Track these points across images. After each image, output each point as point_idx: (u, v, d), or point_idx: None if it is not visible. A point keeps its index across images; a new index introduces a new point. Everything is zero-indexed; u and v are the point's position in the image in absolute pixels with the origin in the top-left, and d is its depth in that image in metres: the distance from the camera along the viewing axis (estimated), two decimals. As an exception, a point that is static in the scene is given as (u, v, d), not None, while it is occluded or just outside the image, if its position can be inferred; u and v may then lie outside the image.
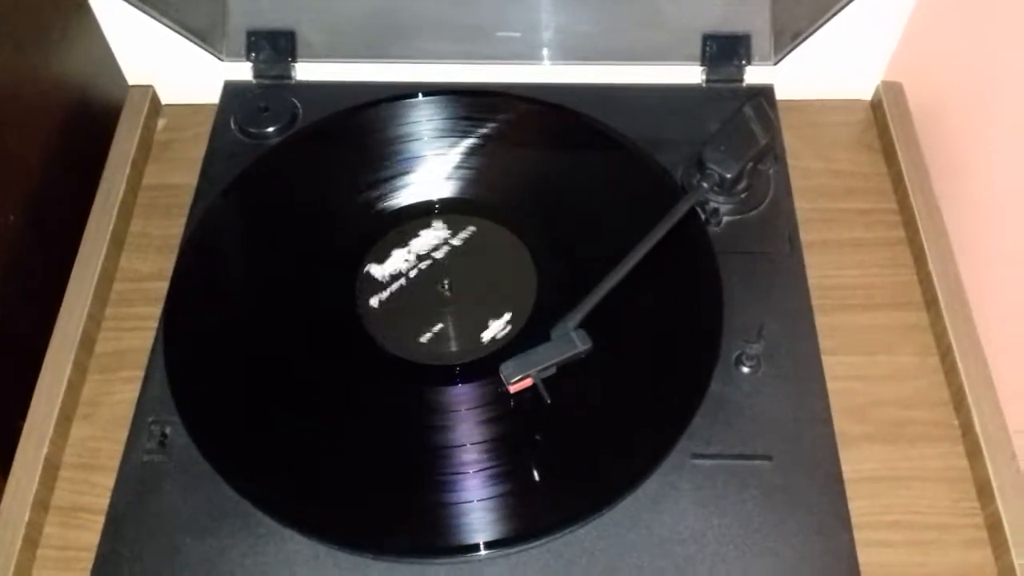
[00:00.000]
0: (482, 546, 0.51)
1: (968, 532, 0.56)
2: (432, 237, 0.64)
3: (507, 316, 0.60)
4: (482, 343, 0.59)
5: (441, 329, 0.60)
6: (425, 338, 0.59)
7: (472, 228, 0.64)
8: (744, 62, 0.71)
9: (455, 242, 0.64)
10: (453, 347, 0.59)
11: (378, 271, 0.62)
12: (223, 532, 0.52)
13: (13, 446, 0.58)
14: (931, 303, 0.65)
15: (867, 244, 0.68)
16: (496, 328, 0.59)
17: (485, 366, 0.57)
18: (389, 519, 0.53)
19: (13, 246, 0.62)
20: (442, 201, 0.66)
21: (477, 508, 0.52)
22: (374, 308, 0.61)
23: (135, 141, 0.72)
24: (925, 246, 0.66)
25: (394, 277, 0.62)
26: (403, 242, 0.64)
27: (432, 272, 0.62)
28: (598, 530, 0.52)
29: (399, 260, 0.63)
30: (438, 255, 0.63)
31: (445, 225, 0.64)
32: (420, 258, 0.63)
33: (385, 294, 0.61)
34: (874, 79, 0.76)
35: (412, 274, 0.62)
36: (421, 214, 0.65)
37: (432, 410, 0.56)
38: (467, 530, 0.51)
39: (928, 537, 0.56)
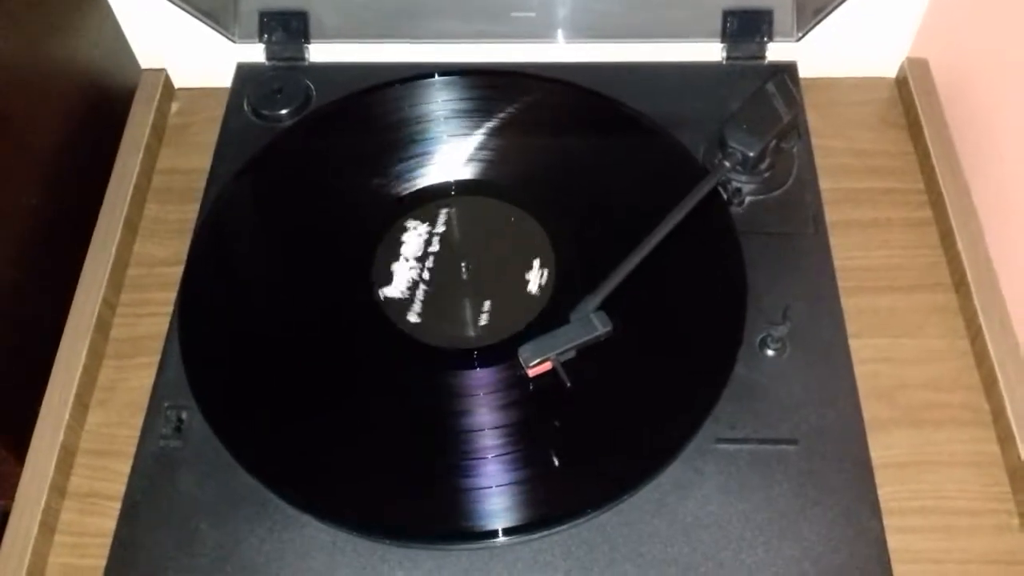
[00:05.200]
0: (501, 532, 0.50)
1: (999, 518, 0.55)
2: (451, 217, 0.63)
3: (523, 302, 0.59)
4: (496, 328, 0.58)
5: (458, 311, 0.59)
6: (443, 321, 0.58)
7: (493, 211, 0.63)
8: (766, 39, 0.70)
9: (473, 225, 0.63)
10: (471, 330, 0.58)
11: (397, 249, 0.61)
12: (239, 518, 0.52)
13: (29, 432, 0.58)
14: (960, 284, 0.63)
15: (893, 224, 0.67)
16: (511, 313, 0.58)
17: (504, 350, 0.56)
18: (407, 505, 0.52)
19: (30, 231, 0.62)
20: (458, 183, 0.65)
21: (496, 494, 0.51)
22: (390, 290, 0.60)
23: (148, 125, 0.72)
24: (953, 226, 0.64)
25: (411, 260, 0.61)
26: (420, 224, 0.63)
27: (450, 255, 0.61)
28: (620, 516, 0.51)
29: (416, 243, 0.62)
30: (456, 238, 0.62)
31: (462, 208, 0.63)
32: (438, 241, 0.62)
33: (402, 276, 0.60)
34: (899, 55, 0.75)
35: (430, 257, 0.61)
36: (437, 196, 0.64)
37: (450, 395, 0.55)
38: (486, 516, 0.51)
39: (958, 523, 0.55)
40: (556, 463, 0.53)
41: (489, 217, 0.63)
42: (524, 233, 0.62)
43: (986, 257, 0.63)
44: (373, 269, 0.61)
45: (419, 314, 0.59)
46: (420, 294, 0.60)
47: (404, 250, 0.62)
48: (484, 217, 0.63)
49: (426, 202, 0.64)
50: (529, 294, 0.59)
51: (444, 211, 0.63)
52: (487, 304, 0.59)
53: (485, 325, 0.58)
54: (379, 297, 0.59)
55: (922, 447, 0.57)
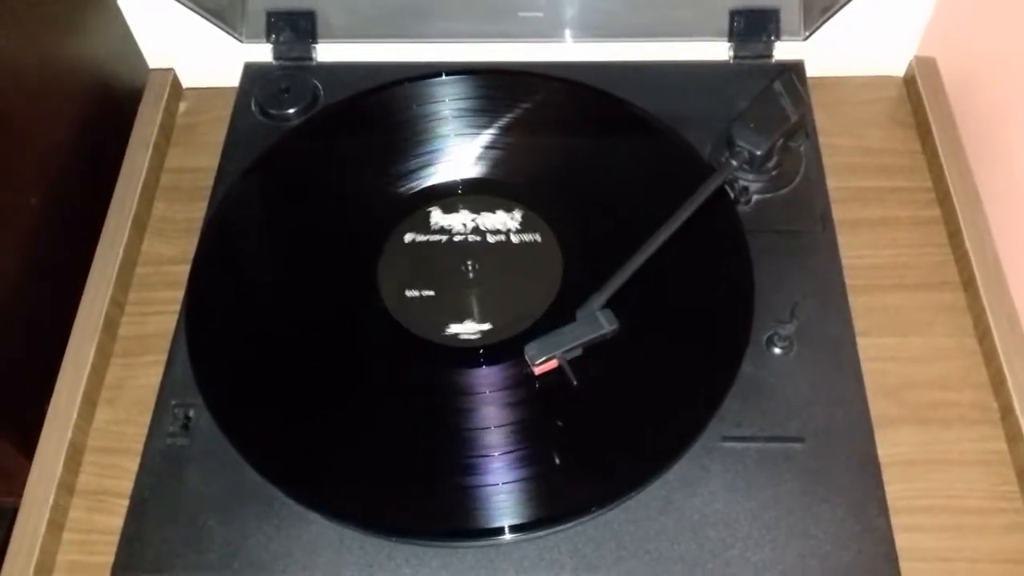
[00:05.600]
0: (507, 529, 0.50)
1: (1008, 517, 0.55)
2: (456, 218, 0.63)
3: (528, 302, 0.59)
4: (502, 327, 0.58)
5: (464, 310, 0.59)
6: (448, 319, 0.58)
7: (498, 210, 0.63)
8: (773, 38, 0.70)
9: (480, 223, 0.63)
10: (477, 329, 0.58)
11: (404, 247, 0.61)
12: (247, 515, 0.52)
13: (37, 430, 0.58)
14: (968, 283, 0.63)
15: (901, 223, 0.67)
16: (515, 313, 0.58)
17: (510, 348, 0.56)
18: (414, 502, 0.52)
19: (36, 230, 0.62)
20: (465, 182, 0.65)
21: (503, 491, 0.51)
22: (398, 287, 0.60)
23: (156, 124, 0.72)
24: (962, 225, 0.64)
25: (419, 254, 0.61)
26: (431, 219, 0.63)
27: (456, 253, 0.61)
28: (627, 513, 0.51)
29: (425, 237, 0.62)
30: (464, 235, 0.62)
31: (470, 206, 0.63)
32: (446, 236, 0.62)
33: (410, 272, 0.60)
34: (907, 54, 0.74)
35: (436, 255, 0.61)
36: (444, 195, 0.64)
37: (456, 392, 0.55)
38: (492, 513, 0.51)
39: (966, 521, 0.55)
40: (562, 461, 0.53)
41: (495, 215, 0.63)
42: (531, 232, 0.62)
43: (994, 256, 0.63)
44: (379, 268, 0.61)
45: (404, 282, 0.59)
46: (419, 267, 0.60)
47: (437, 223, 0.62)
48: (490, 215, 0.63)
49: (433, 201, 0.64)
50: (534, 292, 0.59)
51: (495, 209, 0.63)
52: (492, 303, 0.59)
53: (491, 323, 0.58)
54: (386, 273, 0.60)
55: (930, 445, 0.57)
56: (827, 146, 0.67)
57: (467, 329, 0.58)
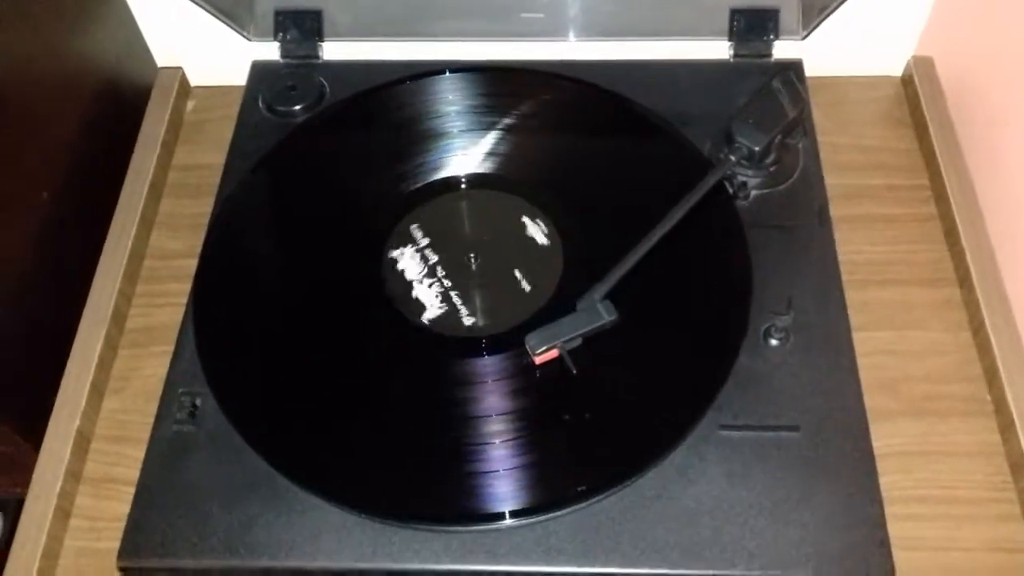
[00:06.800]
0: (507, 515, 0.51)
1: (1001, 507, 0.55)
2: (462, 210, 0.64)
3: (530, 294, 0.60)
4: (503, 318, 0.59)
5: (466, 301, 0.60)
6: (451, 310, 0.59)
7: (503, 204, 0.64)
8: (772, 37, 0.70)
9: (482, 218, 0.64)
10: (479, 319, 0.59)
11: (407, 240, 0.62)
12: (252, 501, 0.53)
13: (45, 419, 0.59)
14: (963, 279, 0.64)
15: (898, 220, 0.68)
16: (517, 304, 0.59)
17: (511, 338, 0.57)
18: (415, 488, 0.53)
19: (46, 223, 0.63)
20: (469, 177, 0.66)
21: (503, 477, 0.52)
22: (401, 281, 0.61)
23: (165, 122, 0.73)
24: (958, 221, 0.65)
25: (421, 251, 0.62)
26: (431, 216, 0.64)
27: (459, 246, 0.62)
28: (625, 500, 0.52)
29: (428, 231, 0.63)
30: (467, 228, 0.63)
31: (476, 199, 0.64)
32: (447, 233, 0.63)
33: (412, 267, 0.61)
34: (905, 54, 0.75)
35: (439, 248, 0.62)
36: (448, 190, 0.65)
37: (458, 381, 0.56)
38: (493, 499, 0.51)
39: (960, 512, 0.55)
40: (562, 448, 0.53)
41: (497, 210, 0.64)
42: (532, 226, 0.63)
43: (989, 252, 0.64)
44: (383, 260, 0.62)
45: (408, 275, 0.60)
46: (422, 259, 0.61)
47: (441, 216, 0.63)
48: (492, 210, 0.64)
49: (436, 196, 0.65)
50: (536, 284, 0.60)
51: (497, 204, 0.64)
52: (495, 294, 0.60)
53: (493, 314, 0.59)
54: (390, 264, 0.61)
55: (925, 437, 0.58)
56: (825, 144, 0.68)
57: (469, 320, 0.59)
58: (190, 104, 0.77)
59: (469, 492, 0.52)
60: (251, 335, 0.59)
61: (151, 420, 0.57)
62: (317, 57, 0.73)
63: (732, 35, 0.71)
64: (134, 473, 0.55)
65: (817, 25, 0.69)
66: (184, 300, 0.62)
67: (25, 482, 0.57)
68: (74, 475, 0.58)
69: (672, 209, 0.59)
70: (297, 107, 0.70)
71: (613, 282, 0.56)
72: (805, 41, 0.71)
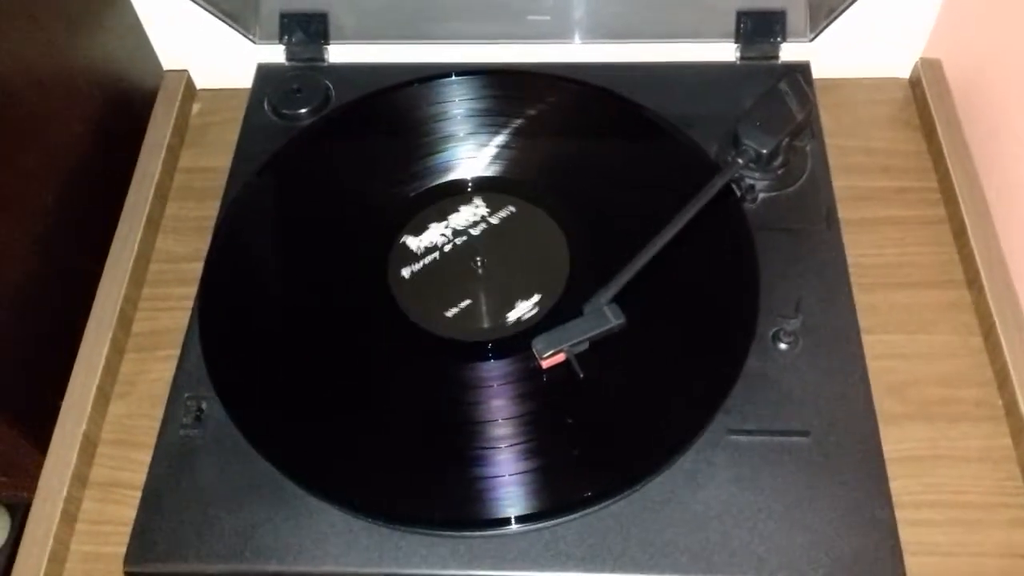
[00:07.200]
0: (514, 520, 0.51)
1: (1012, 512, 0.55)
2: (469, 213, 0.64)
3: (537, 298, 0.59)
4: (510, 321, 0.58)
5: (473, 305, 0.59)
6: (457, 314, 0.59)
7: (510, 208, 0.64)
8: (779, 39, 0.70)
9: (491, 219, 0.63)
10: (486, 323, 0.59)
11: (413, 243, 0.62)
12: (258, 505, 0.53)
13: (52, 423, 0.59)
14: (973, 281, 0.63)
15: (906, 222, 0.67)
16: (524, 308, 0.59)
17: (518, 342, 0.57)
18: (422, 493, 0.52)
19: (51, 227, 0.63)
20: (475, 180, 0.66)
21: (509, 482, 0.52)
22: (407, 282, 0.60)
23: (170, 126, 0.73)
24: (967, 224, 0.65)
25: (428, 251, 0.62)
26: (441, 216, 0.64)
27: (466, 248, 0.62)
28: (633, 505, 0.52)
29: (435, 234, 0.63)
30: (473, 232, 0.63)
31: (483, 202, 0.64)
32: (456, 233, 0.63)
33: (419, 268, 0.61)
34: (912, 56, 0.75)
35: (446, 249, 0.62)
36: (453, 193, 0.65)
37: (465, 385, 0.56)
38: (499, 504, 0.51)
39: (971, 517, 0.55)
40: (570, 453, 0.53)
41: (527, 224, 0.64)
42: (539, 228, 0.63)
43: (999, 255, 0.63)
44: (390, 263, 0.61)
45: (414, 275, 0.60)
46: (429, 260, 0.61)
47: (451, 217, 0.63)
48: (524, 223, 0.64)
49: (442, 199, 0.65)
50: (542, 288, 0.60)
51: (507, 207, 0.63)
52: (501, 298, 0.60)
53: (499, 318, 0.59)
54: (396, 267, 0.61)
55: (935, 442, 0.58)
56: (833, 147, 0.68)
57: (476, 323, 0.59)
58: (196, 107, 0.77)
59: (476, 497, 0.51)
60: (257, 339, 0.59)
61: (157, 424, 0.57)
62: (323, 60, 0.73)
63: (739, 37, 0.70)
64: (140, 477, 0.55)
65: (825, 27, 0.69)
66: (190, 304, 0.62)
67: (31, 486, 0.57)
68: (80, 479, 0.58)
69: (679, 212, 0.59)
70: (303, 110, 0.70)
71: (620, 286, 0.56)
72: (812, 43, 0.71)
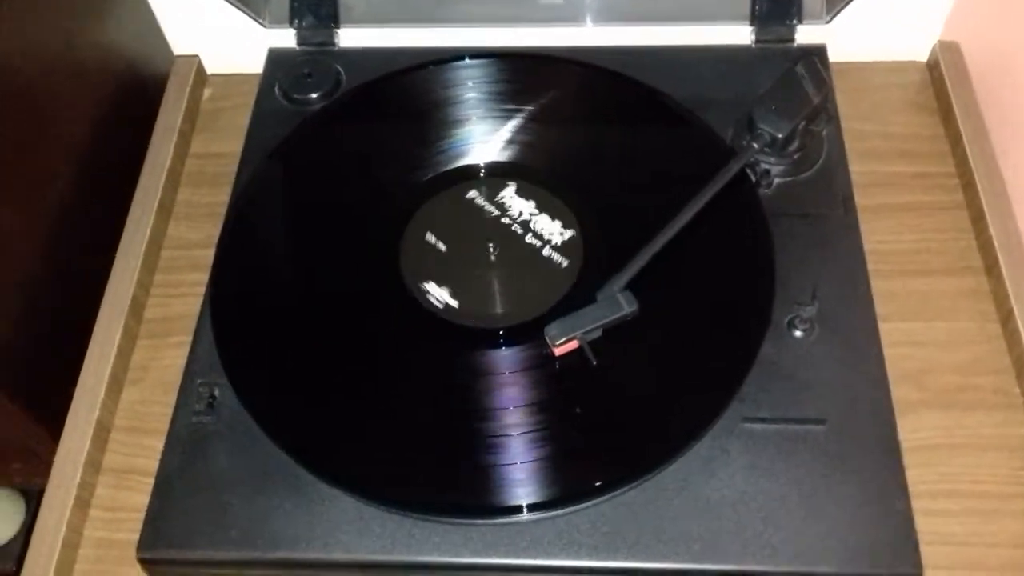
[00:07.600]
0: (526, 508, 0.50)
1: (1030, 501, 0.54)
2: (481, 200, 0.63)
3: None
4: (526, 307, 0.58)
5: (486, 292, 0.59)
6: (471, 301, 0.59)
7: (520, 193, 0.63)
8: (795, 21, 0.69)
9: (504, 205, 0.63)
10: (499, 309, 0.58)
11: (425, 234, 0.62)
12: (270, 492, 0.53)
13: (65, 410, 0.59)
14: (991, 268, 0.63)
15: (923, 208, 0.67)
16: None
17: (530, 329, 0.56)
18: (434, 480, 0.52)
19: (62, 214, 0.63)
20: (487, 165, 0.65)
21: (522, 470, 0.52)
22: (420, 270, 0.60)
23: (181, 111, 0.73)
24: (985, 210, 0.64)
25: (441, 239, 0.61)
26: (452, 204, 0.63)
27: (478, 235, 0.62)
28: (646, 493, 0.51)
29: (446, 222, 0.62)
30: (487, 218, 0.63)
31: (493, 188, 0.64)
32: (468, 221, 0.62)
33: (432, 256, 0.61)
34: (930, 39, 0.74)
35: (457, 237, 0.61)
36: (466, 178, 0.64)
37: (477, 372, 0.56)
38: (511, 492, 0.51)
39: (988, 506, 0.54)
40: (582, 440, 0.53)
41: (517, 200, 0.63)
42: (552, 214, 0.62)
43: (1018, 240, 0.63)
44: (402, 249, 0.61)
45: (428, 264, 0.60)
46: (442, 248, 0.61)
47: (462, 205, 0.63)
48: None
49: (454, 184, 0.64)
50: (556, 274, 0.59)
51: (516, 191, 0.63)
52: (513, 284, 0.59)
53: (512, 305, 0.58)
54: (409, 253, 0.60)
55: (952, 430, 0.57)
56: (850, 131, 0.67)
57: (488, 310, 0.58)
58: (207, 92, 0.77)
59: (489, 485, 0.51)
60: (269, 325, 0.59)
61: (170, 411, 0.56)
62: (333, 44, 0.72)
63: (754, 20, 0.69)
64: (153, 464, 0.55)
65: (841, 9, 0.68)
66: (202, 290, 0.61)
67: (45, 473, 0.58)
68: (94, 466, 0.58)
69: (694, 197, 0.58)
70: (314, 95, 0.69)
71: (633, 272, 0.56)
72: (829, 26, 0.70)
